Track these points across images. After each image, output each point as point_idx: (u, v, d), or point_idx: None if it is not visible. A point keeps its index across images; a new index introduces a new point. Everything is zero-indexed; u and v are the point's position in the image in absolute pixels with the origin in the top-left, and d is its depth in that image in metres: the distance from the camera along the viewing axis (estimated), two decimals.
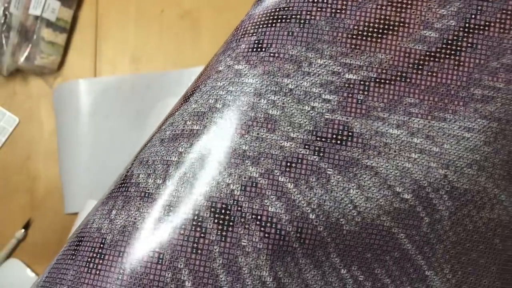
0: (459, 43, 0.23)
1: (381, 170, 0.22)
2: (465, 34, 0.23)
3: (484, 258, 0.22)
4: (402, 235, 0.22)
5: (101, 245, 0.22)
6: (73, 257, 0.23)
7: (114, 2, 0.53)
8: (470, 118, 0.22)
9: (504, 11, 0.23)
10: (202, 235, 0.21)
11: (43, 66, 0.51)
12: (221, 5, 0.52)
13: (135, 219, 0.22)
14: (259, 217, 0.21)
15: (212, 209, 0.21)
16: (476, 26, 0.23)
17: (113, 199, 0.23)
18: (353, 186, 0.22)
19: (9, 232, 0.51)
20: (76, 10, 0.53)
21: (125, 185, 0.23)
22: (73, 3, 0.52)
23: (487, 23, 0.23)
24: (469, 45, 0.23)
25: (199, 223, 0.21)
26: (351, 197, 0.22)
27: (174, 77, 0.50)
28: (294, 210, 0.21)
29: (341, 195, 0.22)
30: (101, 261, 0.22)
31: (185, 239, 0.21)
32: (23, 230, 0.51)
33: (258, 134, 0.22)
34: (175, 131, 0.23)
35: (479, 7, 0.23)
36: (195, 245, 0.21)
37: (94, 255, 0.22)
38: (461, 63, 0.23)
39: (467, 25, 0.23)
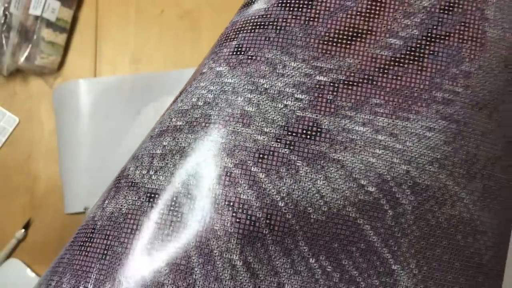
0: (422, 51, 0.25)
1: (347, 164, 0.23)
2: (427, 43, 0.25)
3: (447, 254, 0.23)
4: (367, 226, 0.23)
5: (92, 230, 0.24)
6: (72, 243, 0.25)
7: (114, 3, 0.53)
8: (432, 118, 0.24)
9: (462, 23, 0.25)
10: (178, 219, 0.23)
11: (43, 66, 0.51)
12: (221, 5, 0.52)
13: (121, 206, 0.24)
14: (231, 203, 0.23)
15: (189, 196, 0.23)
16: (438, 36, 0.25)
17: (108, 192, 0.26)
18: (320, 177, 0.23)
19: (9, 232, 0.51)
20: (76, 10, 0.53)
21: (118, 178, 0.26)
22: (73, 3, 0.52)
23: (447, 34, 0.25)
24: (431, 52, 0.25)
25: (176, 208, 0.23)
26: (318, 187, 0.23)
27: (174, 77, 0.50)
28: (265, 198, 0.23)
29: (309, 185, 0.23)
30: (90, 244, 0.24)
31: (163, 222, 0.23)
32: (23, 230, 0.51)
33: (234, 128, 0.24)
34: (162, 128, 0.26)
35: (440, 19, 0.25)
36: (171, 227, 0.23)
37: (86, 239, 0.24)
38: (424, 68, 0.25)
39: (429, 34, 0.25)
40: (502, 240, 0.25)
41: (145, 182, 0.24)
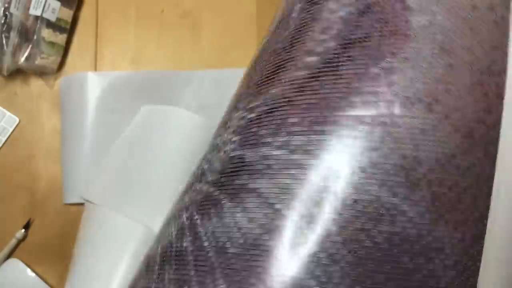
0: (337, 59, 0.23)
1: (262, 190, 0.23)
2: (344, 50, 0.23)
3: (393, 281, 0.20)
4: None
5: None
6: None
7: (114, 3, 0.53)
8: (350, 126, 0.22)
9: (381, 20, 0.23)
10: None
11: (44, 66, 0.51)
12: (221, 5, 0.52)
13: None
14: (177, 252, 0.25)
15: (160, 250, 0.27)
16: (354, 40, 0.23)
17: None
18: (238, 210, 0.23)
19: (9, 232, 0.51)
20: (76, 11, 0.54)
21: None
22: (73, 4, 0.53)
23: (365, 35, 0.23)
24: (347, 58, 0.23)
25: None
26: (237, 220, 0.23)
27: (183, 78, 0.51)
28: (196, 241, 0.24)
29: (229, 220, 0.23)
30: None
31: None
32: (23, 230, 0.51)
33: (193, 186, 0.27)
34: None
35: (357, 23, 0.24)
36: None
37: None
38: (340, 76, 0.23)
39: (345, 42, 0.23)
40: (467, 258, 0.21)
41: None
